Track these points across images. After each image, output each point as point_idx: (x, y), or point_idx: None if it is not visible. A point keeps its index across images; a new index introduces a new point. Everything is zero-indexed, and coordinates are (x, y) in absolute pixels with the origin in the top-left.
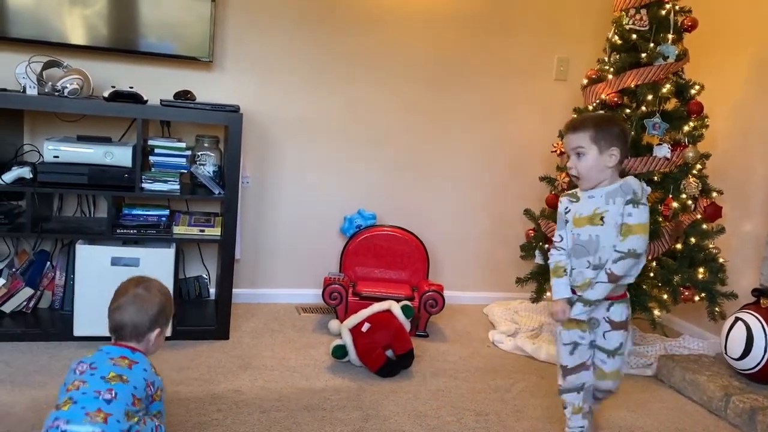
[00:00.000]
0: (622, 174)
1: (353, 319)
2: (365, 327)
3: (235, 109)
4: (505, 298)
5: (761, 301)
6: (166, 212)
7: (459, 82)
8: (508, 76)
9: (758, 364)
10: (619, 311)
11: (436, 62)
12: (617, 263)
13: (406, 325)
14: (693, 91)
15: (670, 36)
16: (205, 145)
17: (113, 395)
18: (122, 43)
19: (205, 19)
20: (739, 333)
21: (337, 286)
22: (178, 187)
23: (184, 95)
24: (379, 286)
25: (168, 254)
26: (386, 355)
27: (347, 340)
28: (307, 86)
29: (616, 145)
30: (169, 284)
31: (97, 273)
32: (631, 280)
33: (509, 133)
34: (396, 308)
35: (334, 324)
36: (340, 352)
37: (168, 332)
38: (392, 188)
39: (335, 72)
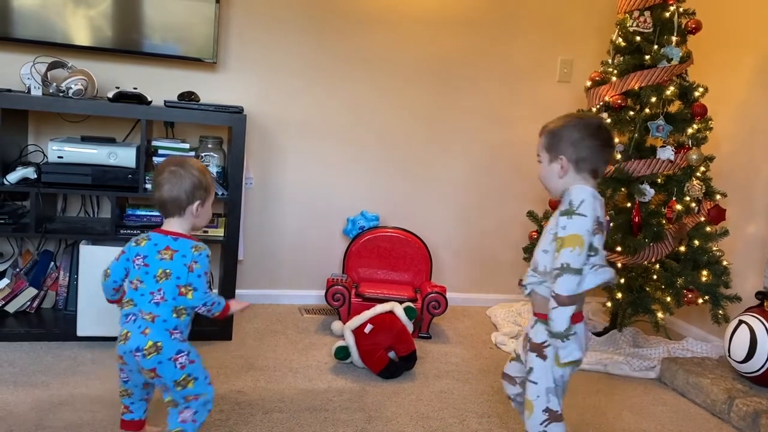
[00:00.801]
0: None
1: (356, 321)
2: (368, 328)
3: (238, 110)
4: (508, 300)
5: (765, 304)
6: None
7: (462, 84)
8: (511, 78)
9: (762, 367)
10: (539, 332)
11: (439, 64)
12: (557, 280)
13: (409, 326)
14: (697, 94)
15: (674, 38)
16: (209, 146)
17: (161, 296)
18: (126, 44)
19: (209, 21)
20: (742, 336)
21: (339, 287)
22: None
23: (188, 96)
24: (382, 287)
25: None
26: (389, 356)
27: (350, 341)
28: (310, 87)
29: (565, 152)
30: None
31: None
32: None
33: (512, 134)
34: (399, 310)
35: (336, 325)
36: (342, 353)
37: (209, 205)
38: (395, 190)
39: (339, 73)
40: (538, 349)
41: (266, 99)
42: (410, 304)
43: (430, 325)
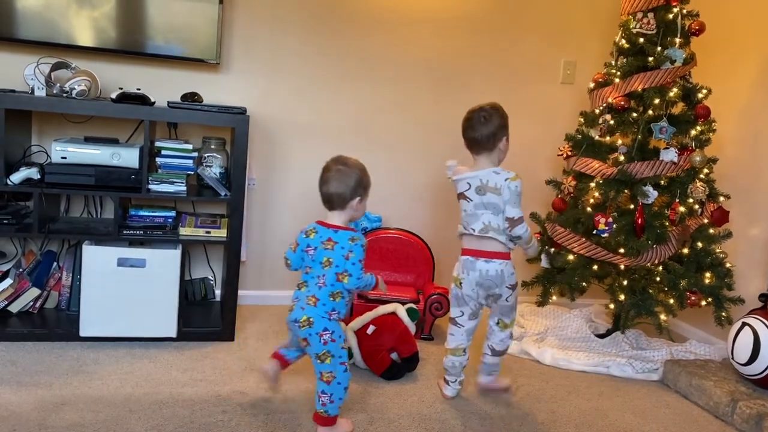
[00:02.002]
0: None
1: (358, 322)
2: (370, 329)
3: (241, 111)
4: None
5: None
6: (173, 213)
7: (466, 85)
8: (514, 80)
9: (765, 369)
10: None
11: (443, 65)
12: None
13: (411, 328)
14: (700, 95)
15: (677, 40)
16: (212, 146)
17: (323, 282)
18: (130, 45)
19: (212, 21)
20: (745, 338)
21: None
22: (184, 188)
23: (191, 97)
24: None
25: (174, 255)
26: (391, 357)
27: (352, 342)
28: (313, 88)
29: None
30: (174, 285)
31: (104, 274)
32: None
33: (515, 136)
34: (401, 311)
35: None
36: None
37: (365, 201)
38: (398, 191)
39: (342, 74)
40: None
41: (269, 100)
42: (412, 305)
43: (433, 326)
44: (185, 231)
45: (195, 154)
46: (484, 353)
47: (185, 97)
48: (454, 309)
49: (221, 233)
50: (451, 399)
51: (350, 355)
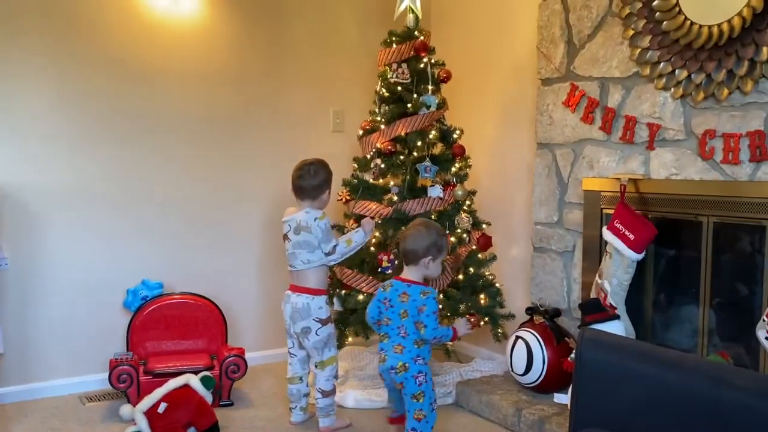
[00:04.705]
0: None
1: (147, 401)
2: (162, 407)
3: None
4: None
5: (534, 318)
6: None
7: (242, 137)
8: (288, 129)
9: (539, 376)
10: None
11: (217, 118)
12: None
13: (208, 397)
14: (455, 136)
15: (429, 87)
16: None
17: (405, 331)
18: None
19: None
20: (520, 350)
21: (125, 366)
22: None
23: None
24: (174, 359)
25: None
26: None
27: (142, 425)
28: (72, 152)
29: None
30: None
31: None
32: None
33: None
34: (194, 381)
35: (126, 409)
36: None
37: (439, 262)
38: (178, 253)
39: (104, 134)
40: None
41: (21, 169)
42: (207, 372)
43: (231, 390)
44: None
45: None
46: (316, 398)
47: None
48: (287, 340)
49: None
50: (297, 424)
51: None
